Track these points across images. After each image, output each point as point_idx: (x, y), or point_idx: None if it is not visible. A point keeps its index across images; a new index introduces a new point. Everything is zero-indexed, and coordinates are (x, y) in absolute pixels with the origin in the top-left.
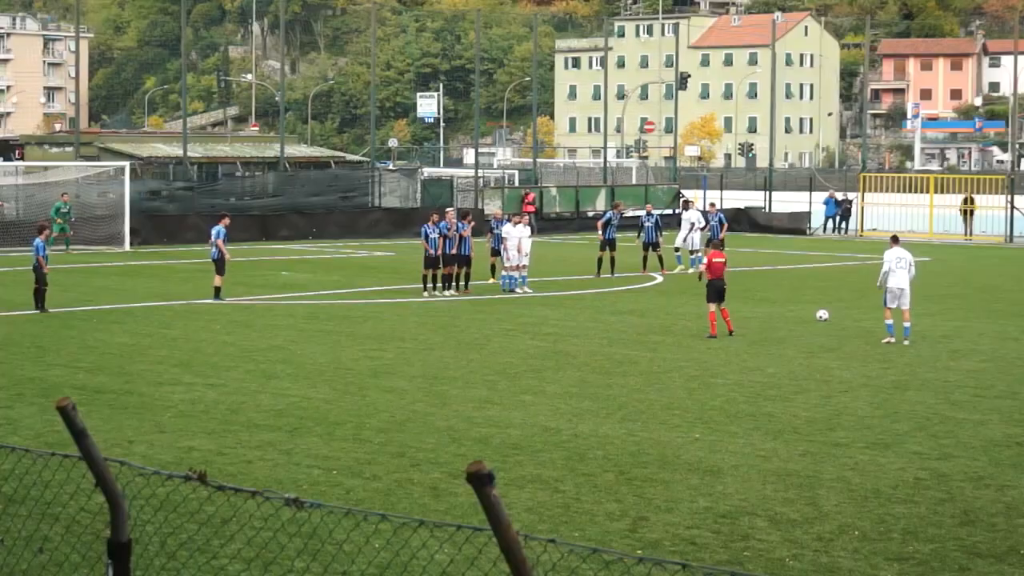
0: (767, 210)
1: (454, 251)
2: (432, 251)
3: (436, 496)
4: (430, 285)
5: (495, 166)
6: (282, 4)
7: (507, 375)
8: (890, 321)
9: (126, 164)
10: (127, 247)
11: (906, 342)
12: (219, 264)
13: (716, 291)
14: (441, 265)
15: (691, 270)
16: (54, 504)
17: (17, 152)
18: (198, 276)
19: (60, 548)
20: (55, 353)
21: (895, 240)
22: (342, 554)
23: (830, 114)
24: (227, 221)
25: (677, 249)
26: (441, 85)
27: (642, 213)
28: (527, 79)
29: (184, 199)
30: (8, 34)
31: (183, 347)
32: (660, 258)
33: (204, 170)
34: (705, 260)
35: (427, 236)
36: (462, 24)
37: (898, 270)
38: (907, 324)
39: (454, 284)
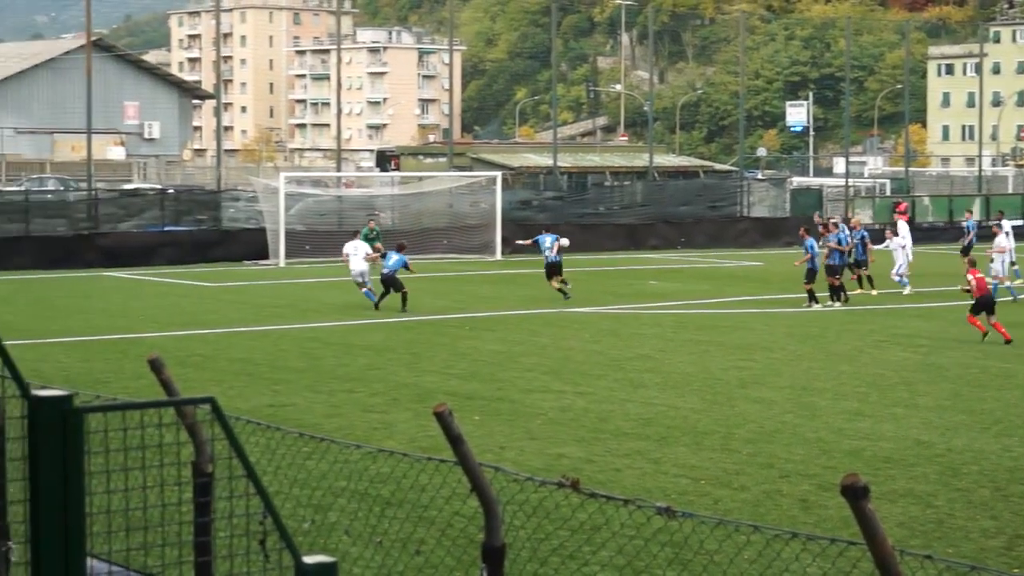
0: None
1: (851, 259)
2: (815, 263)
3: (805, 508)
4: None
5: (865, 175)
6: (651, 15)
7: (878, 387)
8: None
9: (498, 174)
10: (499, 256)
11: None
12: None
13: (985, 304)
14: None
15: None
16: (429, 508)
17: (393, 163)
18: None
19: (435, 551)
20: (429, 360)
21: None
22: (713, 565)
23: None
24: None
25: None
26: (810, 94)
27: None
28: (898, 87)
29: (554, 208)
30: (385, 48)
31: (553, 355)
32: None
33: (573, 179)
34: (973, 280)
35: (812, 248)
36: (832, 32)
37: None
38: None
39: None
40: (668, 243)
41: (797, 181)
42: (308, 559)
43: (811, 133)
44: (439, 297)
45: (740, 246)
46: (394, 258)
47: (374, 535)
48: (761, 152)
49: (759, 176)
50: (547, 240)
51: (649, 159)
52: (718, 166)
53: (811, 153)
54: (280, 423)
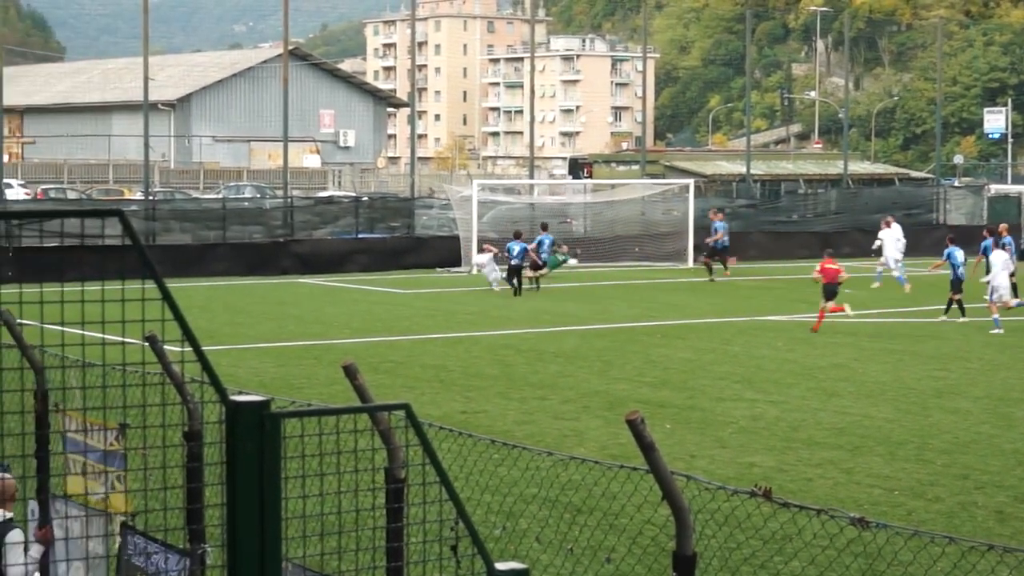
0: None
1: None
2: None
3: (1001, 520)
4: None
5: None
6: (846, 21)
7: None
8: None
9: (690, 182)
10: (690, 264)
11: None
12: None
13: (831, 292)
14: None
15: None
16: (620, 516)
17: (586, 170)
18: (760, 293)
19: (626, 559)
20: (620, 367)
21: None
22: None
23: None
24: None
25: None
26: (1009, 100)
27: None
28: None
29: (746, 216)
30: (578, 56)
31: (745, 363)
32: None
33: (767, 187)
34: (819, 267)
35: (952, 257)
36: None
37: (1003, 272)
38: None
39: None
40: (862, 251)
41: (995, 189)
42: (500, 566)
43: (1009, 140)
44: (631, 305)
45: (936, 254)
46: (516, 249)
47: (565, 542)
48: (958, 159)
49: (956, 184)
50: (547, 242)
51: (843, 166)
52: (914, 173)
53: (1009, 160)
54: (472, 429)
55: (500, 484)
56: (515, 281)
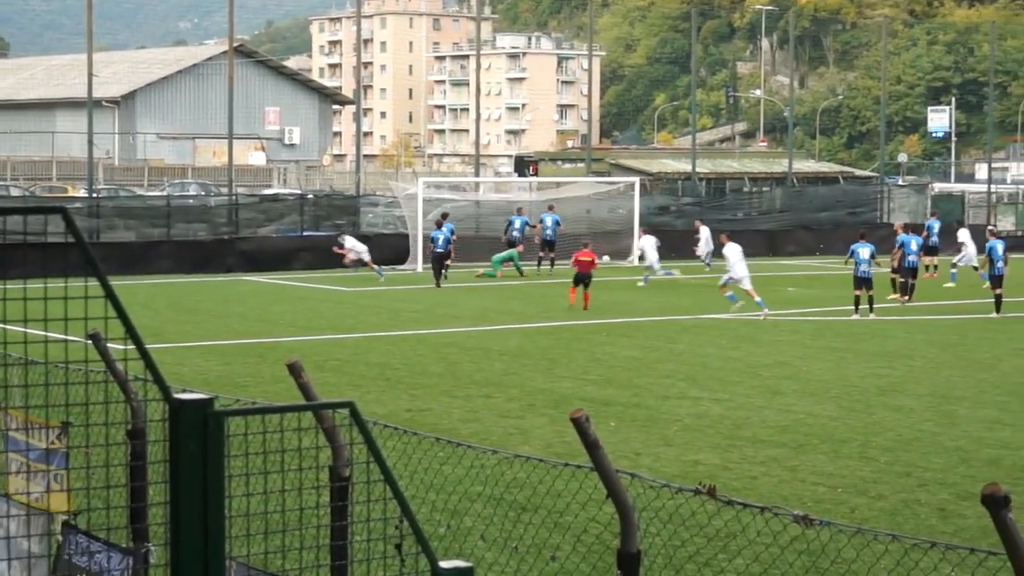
0: None
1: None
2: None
3: (943, 517)
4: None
5: (1008, 181)
6: (791, 19)
7: (1019, 396)
8: (759, 298)
9: (636, 180)
10: (636, 262)
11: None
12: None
13: (581, 279)
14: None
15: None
16: (565, 514)
17: (531, 168)
18: (705, 291)
19: (570, 557)
20: (565, 365)
21: (729, 237)
22: (850, 574)
23: None
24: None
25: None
26: (953, 99)
27: None
28: None
29: (692, 214)
30: (524, 53)
31: (690, 361)
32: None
33: (712, 185)
34: (575, 257)
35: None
36: (975, 36)
37: (740, 263)
38: (758, 299)
39: None
40: (807, 249)
41: (938, 187)
42: (444, 564)
43: (953, 139)
44: (576, 303)
45: (880, 253)
46: (441, 239)
47: (509, 540)
48: (902, 158)
49: (899, 182)
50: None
51: (788, 165)
52: (858, 172)
53: (953, 159)
54: (417, 428)
55: (445, 482)
56: (439, 271)
